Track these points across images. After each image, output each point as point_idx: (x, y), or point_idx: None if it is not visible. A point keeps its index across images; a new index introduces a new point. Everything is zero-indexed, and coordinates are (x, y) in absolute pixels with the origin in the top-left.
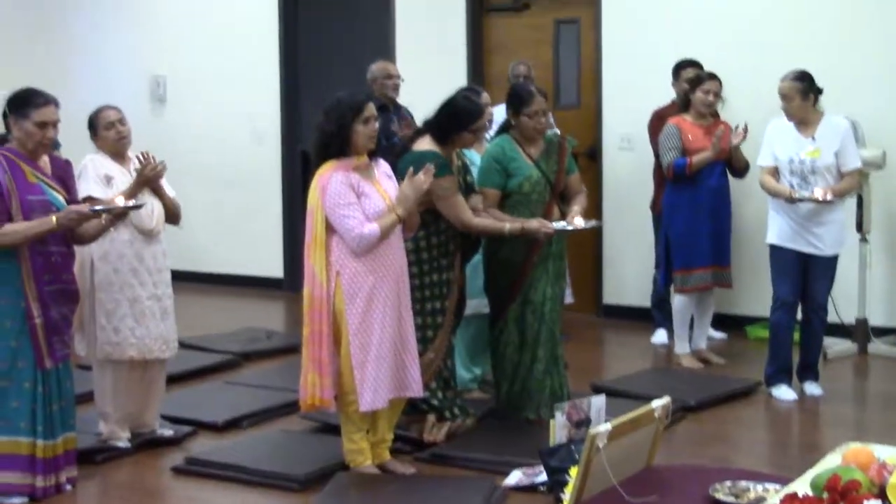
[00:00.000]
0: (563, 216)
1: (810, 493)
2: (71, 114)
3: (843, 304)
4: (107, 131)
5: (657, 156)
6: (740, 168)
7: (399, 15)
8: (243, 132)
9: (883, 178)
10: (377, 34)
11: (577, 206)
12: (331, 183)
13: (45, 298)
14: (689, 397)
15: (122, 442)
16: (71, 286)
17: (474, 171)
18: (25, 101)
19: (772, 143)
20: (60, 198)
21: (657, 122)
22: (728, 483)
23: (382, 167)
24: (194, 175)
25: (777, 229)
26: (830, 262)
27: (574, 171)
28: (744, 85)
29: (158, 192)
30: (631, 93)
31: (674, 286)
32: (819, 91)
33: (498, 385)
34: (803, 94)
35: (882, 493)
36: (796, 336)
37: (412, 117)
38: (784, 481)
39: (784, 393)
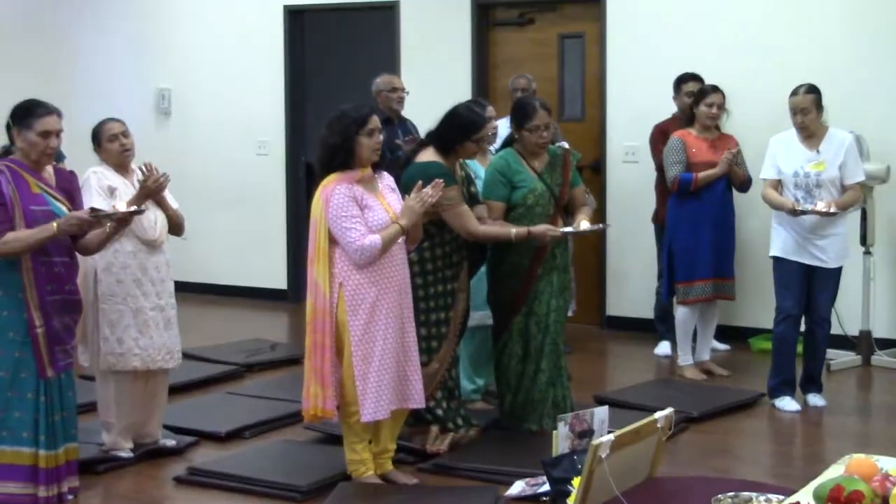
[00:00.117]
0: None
1: None
2: (76, 126)
3: (847, 317)
4: (110, 143)
5: (659, 169)
6: (739, 183)
7: (404, 29)
8: (248, 145)
9: (887, 191)
10: (382, 48)
11: (582, 215)
12: (334, 195)
13: (48, 308)
14: (692, 408)
15: (125, 452)
16: (74, 296)
17: (479, 183)
18: (28, 112)
19: (775, 156)
20: (64, 208)
21: (658, 135)
22: (731, 494)
23: (386, 180)
24: (199, 187)
25: (781, 242)
26: (834, 275)
27: (579, 183)
28: (747, 99)
29: (161, 204)
30: (635, 106)
31: (676, 298)
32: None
33: (501, 396)
34: (818, 107)
35: None
36: (800, 348)
37: (417, 131)
38: (787, 492)
39: (787, 404)
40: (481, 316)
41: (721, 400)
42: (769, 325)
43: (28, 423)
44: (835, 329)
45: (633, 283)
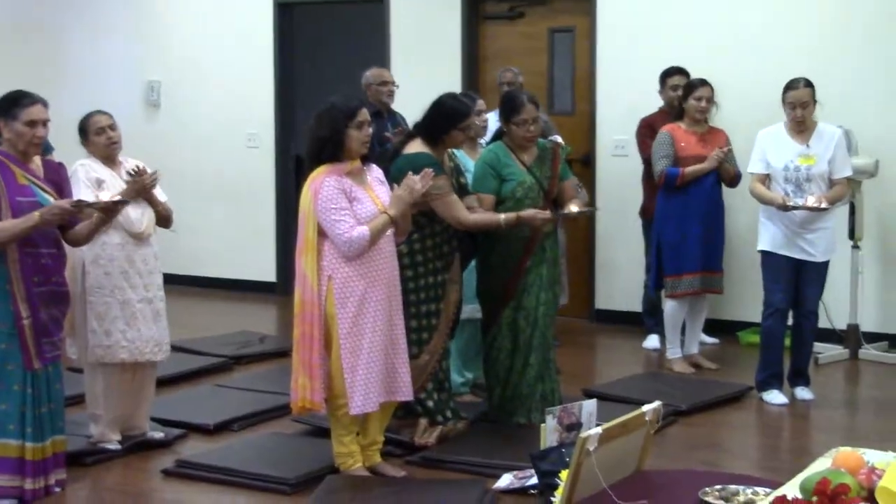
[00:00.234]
0: (556, 223)
1: (800, 497)
2: (65, 118)
3: (835, 311)
4: (97, 136)
5: (646, 163)
6: (729, 179)
7: (394, 23)
8: (237, 137)
9: (875, 186)
10: (372, 42)
11: (573, 202)
12: (323, 187)
13: (35, 300)
14: (680, 402)
15: (113, 444)
16: (61, 288)
17: (468, 176)
18: (13, 102)
19: (764, 150)
20: (52, 199)
21: (644, 129)
22: (718, 487)
23: (375, 172)
24: (188, 180)
25: (769, 236)
26: (822, 269)
27: (568, 176)
28: (736, 92)
29: (151, 200)
30: (625, 100)
31: (664, 291)
32: None
33: (490, 389)
34: (814, 100)
35: (871, 498)
36: (787, 341)
37: (406, 124)
38: (774, 485)
39: (775, 398)
40: (471, 309)
41: (709, 393)
42: (757, 318)
43: (14, 415)
44: (823, 323)
45: (622, 277)
